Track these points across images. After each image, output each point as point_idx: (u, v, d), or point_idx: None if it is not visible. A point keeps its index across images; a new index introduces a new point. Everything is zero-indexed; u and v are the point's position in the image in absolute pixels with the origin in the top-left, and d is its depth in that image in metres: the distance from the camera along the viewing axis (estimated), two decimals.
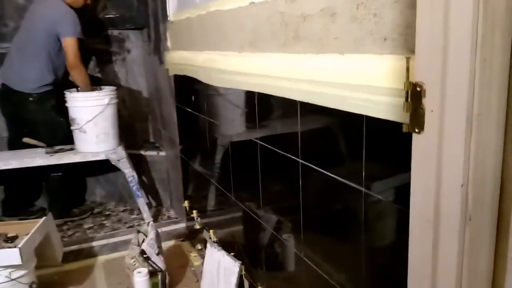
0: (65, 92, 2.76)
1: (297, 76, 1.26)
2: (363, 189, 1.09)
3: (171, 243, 2.90)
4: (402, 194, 0.88)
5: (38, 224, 2.09)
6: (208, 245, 2.26)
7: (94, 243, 2.73)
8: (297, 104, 1.34)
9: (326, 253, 1.36)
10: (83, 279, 2.47)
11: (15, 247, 1.89)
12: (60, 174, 2.94)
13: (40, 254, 2.26)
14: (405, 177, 0.85)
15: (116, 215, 3.19)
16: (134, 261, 2.20)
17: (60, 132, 2.85)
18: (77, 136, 2.78)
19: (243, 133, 1.93)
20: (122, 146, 2.89)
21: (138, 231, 2.38)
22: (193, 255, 2.71)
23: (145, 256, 2.22)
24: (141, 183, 3.10)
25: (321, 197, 1.36)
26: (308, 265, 1.44)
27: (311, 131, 1.35)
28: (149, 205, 3.13)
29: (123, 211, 3.26)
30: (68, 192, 3.12)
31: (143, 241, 2.28)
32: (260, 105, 1.66)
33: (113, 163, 2.82)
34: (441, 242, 0.76)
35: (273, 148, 1.59)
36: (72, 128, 2.77)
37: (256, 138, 1.71)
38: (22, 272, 1.96)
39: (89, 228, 2.97)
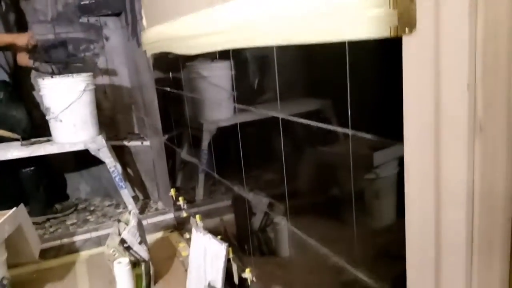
0: (37, 79, 2.60)
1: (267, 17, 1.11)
2: (349, 132, 0.93)
3: (159, 235, 2.74)
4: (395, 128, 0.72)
5: (6, 215, 1.92)
6: (193, 230, 2.11)
7: (76, 238, 2.57)
8: (273, 54, 1.20)
9: (316, 220, 1.21)
10: (64, 275, 2.31)
11: None
12: (32, 168, 2.77)
13: (14, 250, 2.10)
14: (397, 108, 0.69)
15: (101, 210, 3.03)
16: (114, 251, 2.04)
17: (18, 127, 2.68)
18: (53, 125, 2.63)
19: (220, 107, 1.79)
20: (103, 135, 2.73)
21: (119, 220, 2.22)
22: (181, 245, 2.55)
23: (125, 245, 2.05)
24: (126, 175, 2.95)
25: (306, 156, 1.20)
26: (296, 237, 1.29)
27: (288, 82, 1.20)
28: (135, 198, 2.98)
29: (109, 206, 3.10)
30: (47, 188, 2.94)
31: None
32: (237, 71, 1.52)
33: (92, 153, 2.66)
34: (444, 160, 0.60)
35: (251, 108, 1.44)
36: (47, 117, 2.61)
37: (235, 109, 1.57)
38: None
39: (72, 224, 2.81)
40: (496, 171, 0.58)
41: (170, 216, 2.80)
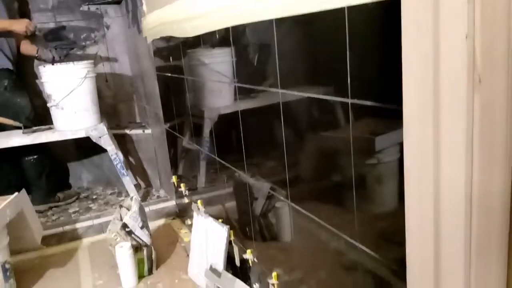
0: (39, 67, 2.60)
1: None
2: (349, 100, 0.92)
3: (160, 222, 2.74)
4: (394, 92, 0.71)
5: (8, 200, 1.92)
6: (195, 214, 2.10)
7: (78, 225, 2.58)
8: (273, 25, 1.19)
9: (316, 201, 1.20)
10: (66, 261, 2.32)
11: None
12: (35, 157, 2.78)
13: (16, 236, 2.10)
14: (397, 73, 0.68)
15: (104, 198, 3.03)
16: (115, 236, 2.04)
17: (21, 114, 2.68)
18: (54, 113, 2.62)
19: (221, 93, 1.79)
20: (104, 123, 2.73)
21: (121, 206, 2.22)
22: (183, 231, 2.55)
23: (127, 229, 2.05)
24: (128, 164, 2.95)
25: (306, 130, 1.20)
26: (297, 219, 1.28)
27: (289, 59, 1.19)
28: (137, 186, 2.97)
29: (111, 194, 3.10)
30: (49, 177, 2.94)
31: None
32: (237, 55, 1.52)
33: (94, 141, 2.65)
34: (443, 115, 0.59)
35: (251, 87, 1.44)
36: (48, 105, 2.61)
37: (235, 89, 1.56)
38: None
39: (75, 212, 2.81)
40: (495, 121, 0.57)
41: (172, 203, 2.80)
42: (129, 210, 2.15)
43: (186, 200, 2.43)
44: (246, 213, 1.69)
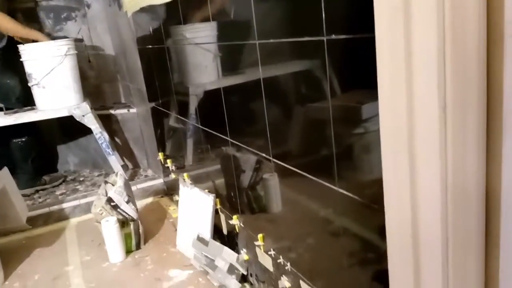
0: (18, 46, 2.54)
1: None
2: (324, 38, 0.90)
3: (149, 200, 2.72)
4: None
5: None
6: (181, 186, 2.08)
7: (65, 205, 2.54)
8: None
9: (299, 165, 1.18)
10: (53, 241, 2.29)
11: None
12: (22, 139, 2.74)
13: (1, 216, 2.07)
14: None
15: (91, 180, 2.99)
16: (101, 210, 2.01)
17: (12, 95, 2.65)
18: (36, 92, 2.57)
19: (206, 69, 1.76)
20: (87, 102, 2.68)
21: (106, 182, 2.19)
22: (171, 208, 2.53)
23: (112, 204, 2.02)
24: (114, 145, 2.91)
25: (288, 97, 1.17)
26: (283, 188, 1.26)
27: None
28: (124, 167, 2.93)
29: (98, 175, 3.06)
30: (36, 160, 2.90)
31: None
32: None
33: (77, 119, 2.61)
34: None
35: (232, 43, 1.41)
36: (29, 84, 2.55)
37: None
38: None
39: (61, 194, 2.77)
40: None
41: (159, 181, 2.77)
42: (114, 186, 2.12)
43: (173, 176, 2.40)
44: (232, 184, 1.66)
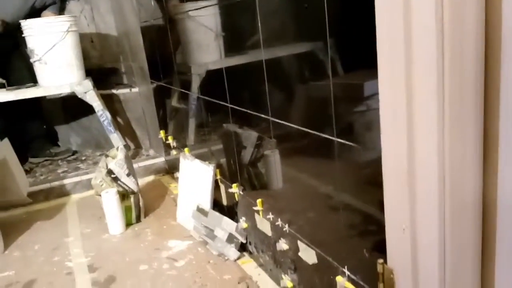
0: (20, 21, 2.54)
1: None
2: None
3: (150, 178, 2.72)
4: None
5: None
6: (181, 160, 2.08)
7: (66, 181, 2.55)
8: None
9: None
10: (54, 215, 2.29)
11: None
12: (27, 117, 2.78)
13: (2, 187, 2.07)
14: None
15: (93, 159, 2.99)
16: (101, 182, 2.01)
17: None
18: (38, 69, 2.57)
19: (208, 48, 1.75)
20: (90, 80, 2.68)
21: (106, 156, 2.19)
22: (172, 185, 2.53)
23: (113, 176, 2.02)
24: (116, 125, 2.90)
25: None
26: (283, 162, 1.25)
27: None
28: (126, 147, 2.93)
29: (100, 155, 3.06)
30: (41, 140, 2.96)
31: None
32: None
33: (79, 96, 2.61)
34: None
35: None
36: (32, 60, 2.55)
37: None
38: None
39: (63, 172, 2.77)
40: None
41: (161, 159, 2.77)
42: (114, 159, 2.12)
43: (174, 153, 2.40)
44: (232, 154, 1.66)
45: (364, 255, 0.94)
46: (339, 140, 0.96)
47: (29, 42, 2.53)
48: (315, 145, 1.08)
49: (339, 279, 1.06)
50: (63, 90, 2.58)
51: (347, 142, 0.94)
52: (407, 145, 0.67)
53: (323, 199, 1.13)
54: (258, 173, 1.49)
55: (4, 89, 2.59)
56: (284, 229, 1.32)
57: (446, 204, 0.67)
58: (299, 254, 1.25)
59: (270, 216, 1.40)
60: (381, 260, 0.80)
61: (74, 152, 3.09)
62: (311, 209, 1.20)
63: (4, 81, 2.57)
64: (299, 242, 1.24)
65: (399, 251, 0.75)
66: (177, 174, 2.49)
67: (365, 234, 0.96)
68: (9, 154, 2.04)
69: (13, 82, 2.62)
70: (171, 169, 2.71)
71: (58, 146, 3.14)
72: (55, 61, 2.53)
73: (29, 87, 2.62)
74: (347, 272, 1.04)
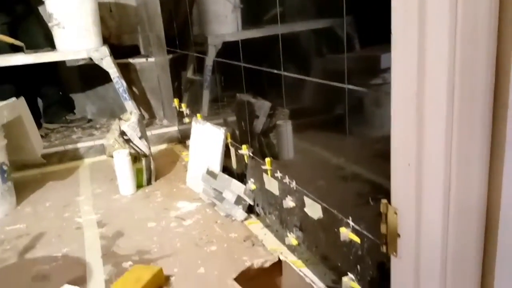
0: None
1: None
2: None
3: (163, 146, 2.73)
4: None
5: (5, 102, 1.91)
6: (193, 124, 2.08)
7: (80, 145, 2.58)
8: None
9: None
10: (66, 176, 2.32)
11: None
12: (45, 83, 2.81)
13: (17, 146, 2.10)
14: None
15: (107, 127, 3.01)
16: (113, 142, 2.03)
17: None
18: (56, 33, 2.59)
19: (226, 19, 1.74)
20: (107, 47, 2.69)
21: (120, 119, 2.20)
22: (184, 153, 2.54)
23: (125, 137, 2.04)
24: (131, 94, 2.92)
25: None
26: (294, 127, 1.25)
27: None
28: (141, 117, 2.95)
29: None
30: (58, 106, 2.99)
31: None
32: None
33: (96, 62, 2.62)
34: None
35: None
36: (50, 25, 2.57)
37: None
38: None
39: (78, 138, 2.80)
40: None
41: (174, 128, 2.78)
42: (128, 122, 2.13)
43: (187, 120, 2.40)
44: (244, 120, 1.65)
45: (369, 203, 0.94)
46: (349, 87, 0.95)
47: (48, 6, 2.54)
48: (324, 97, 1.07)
49: (343, 230, 1.05)
50: (80, 55, 2.60)
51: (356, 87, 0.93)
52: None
53: (331, 154, 1.12)
54: (269, 137, 1.49)
55: (22, 53, 2.62)
56: (291, 186, 1.32)
57: (453, 133, 0.65)
58: (305, 209, 1.25)
59: (278, 174, 1.39)
60: (384, 200, 0.79)
61: (89, 120, 3.12)
62: (319, 164, 1.19)
63: (22, 44, 2.60)
64: (305, 198, 1.24)
65: (403, 189, 0.74)
66: (189, 143, 2.50)
67: (371, 183, 0.95)
68: (24, 113, 2.07)
69: (28, 48, 2.64)
70: (184, 138, 2.72)
71: (74, 113, 3.17)
72: (73, 26, 2.55)
73: (47, 51, 2.64)
74: (351, 223, 1.03)
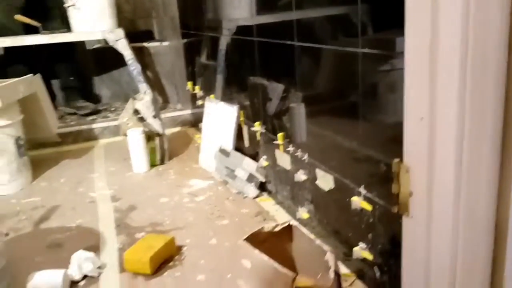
0: None
1: None
2: None
3: (176, 129, 2.75)
4: None
5: (22, 78, 1.94)
6: (206, 104, 2.09)
7: (94, 125, 2.61)
8: None
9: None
10: (81, 155, 2.35)
11: None
12: (64, 64, 2.84)
13: (32, 123, 2.12)
14: None
15: (121, 110, 3.03)
16: (128, 120, 2.05)
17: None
18: (71, 14, 2.60)
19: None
20: (122, 29, 2.70)
21: (134, 98, 2.22)
22: (197, 136, 2.55)
23: (139, 116, 2.06)
24: (146, 79, 2.94)
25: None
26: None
27: None
28: (154, 100, 2.97)
29: None
30: (72, 89, 3.02)
31: None
32: None
33: (110, 44, 2.63)
34: None
35: None
36: (66, 5, 2.59)
37: None
38: (5, 122, 1.82)
39: (93, 120, 2.83)
40: None
41: (187, 112, 2.80)
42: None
43: (200, 102, 2.41)
44: (257, 100, 1.66)
45: (381, 168, 0.94)
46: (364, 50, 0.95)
47: None
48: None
49: (355, 199, 1.06)
50: (95, 36, 2.62)
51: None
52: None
53: (344, 124, 1.12)
54: (282, 112, 1.49)
55: (38, 34, 2.64)
56: (303, 159, 1.32)
57: (466, 90, 0.65)
58: (316, 182, 1.25)
59: (291, 148, 1.40)
60: (397, 159, 0.79)
61: (99, 111, 3.12)
62: (332, 136, 1.19)
63: (39, 25, 2.62)
64: (317, 170, 1.24)
65: (416, 144, 0.74)
66: (201, 126, 2.51)
67: (385, 145, 0.95)
68: (40, 90, 2.10)
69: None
70: (197, 121, 2.73)
71: (88, 100, 3.19)
72: (89, 7, 2.56)
73: (62, 32, 2.66)
74: (363, 191, 1.03)
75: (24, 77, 1.97)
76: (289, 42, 1.30)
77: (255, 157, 1.75)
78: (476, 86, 0.65)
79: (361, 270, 1.11)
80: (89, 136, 2.59)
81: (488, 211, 0.72)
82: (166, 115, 2.74)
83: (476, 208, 0.71)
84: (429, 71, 0.68)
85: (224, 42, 2.02)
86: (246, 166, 1.72)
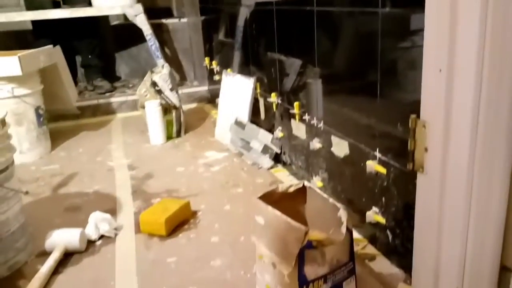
0: None
1: None
2: None
3: (193, 105, 2.77)
4: None
5: (42, 48, 1.97)
6: (223, 77, 2.10)
7: (113, 100, 2.64)
8: None
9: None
10: (99, 128, 2.38)
11: None
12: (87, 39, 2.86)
13: (52, 93, 2.16)
14: None
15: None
16: (145, 92, 2.06)
17: None
18: None
19: None
20: (141, 4, 2.71)
21: (152, 71, 2.23)
22: (213, 112, 2.56)
23: (157, 88, 2.07)
24: (164, 55, 2.95)
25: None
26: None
27: None
28: (171, 74, 2.98)
29: None
30: (92, 66, 3.04)
31: None
32: None
33: (129, 19, 2.65)
34: None
35: None
36: None
37: None
38: (25, 91, 1.85)
39: (111, 95, 2.86)
40: None
41: (204, 88, 2.81)
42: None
43: (217, 77, 2.42)
44: (274, 73, 1.66)
45: (398, 129, 0.93)
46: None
47: None
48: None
49: (369, 162, 1.05)
50: (115, 11, 2.64)
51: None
52: None
53: (360, 89, 1.11)
54: (299, 79, 1.49)
55: (59, 8, 2.67)
56: (319, 126, 1.32)
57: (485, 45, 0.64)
58: (332, 149, 1.25)
59: (306, 117, 1.40)
60: (413, 115, 0.79)
61: (114, 89, 3.13)
62: (348, 100, 1.19)
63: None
64: (332, 137, 1.24)
65: (433, 98, 0.73)
66: (218, 101, 2.52)
67: (400, 106, 0.94)
68: (60, 61, 2.12)
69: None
70: (213, 98, 2.74)
71: (107, 78, 3.22)
72: None
73: (82, 6, 2.68)
74: (378, 155, 1.03)
75: (45, 47, 2.00)
76: (308, 8, 1.29)
77: (270, 130, 1.75)
78: (497, 38, 0.64)
79: (373, 234, 1.11)
80: (108, 110, 2.62)
81: (505, 167, 0.71)
82: (183, 91, 2.75)
83: (492, 164, 0.71)
84: (449, 20, 0.67)
85: (242, 18, 2.02)
86: (261, 137, 1.73)
